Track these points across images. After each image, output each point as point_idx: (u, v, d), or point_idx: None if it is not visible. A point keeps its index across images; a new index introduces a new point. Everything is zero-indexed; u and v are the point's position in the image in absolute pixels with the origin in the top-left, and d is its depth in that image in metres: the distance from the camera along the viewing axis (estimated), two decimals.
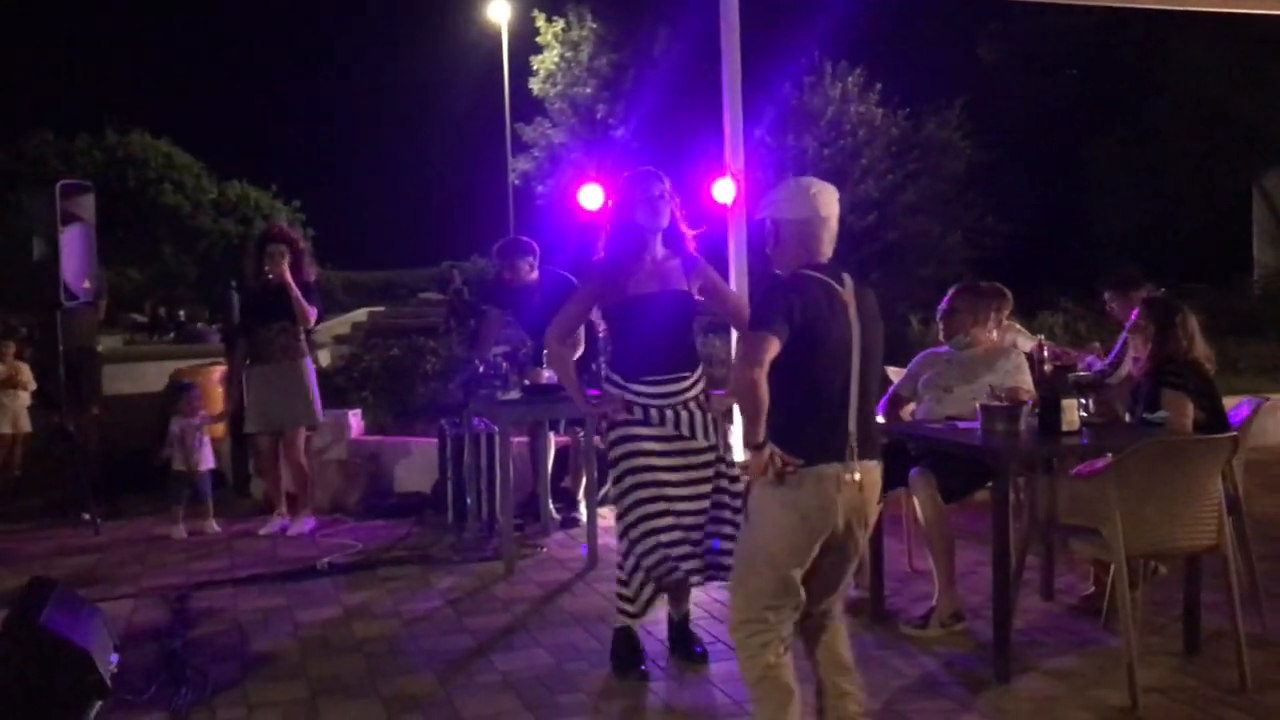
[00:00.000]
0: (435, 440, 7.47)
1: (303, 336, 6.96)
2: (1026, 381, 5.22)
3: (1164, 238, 19.76)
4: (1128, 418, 4.92)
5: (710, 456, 4.27)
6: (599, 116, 26.84)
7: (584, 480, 6.90)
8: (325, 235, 30.42)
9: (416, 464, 7.78)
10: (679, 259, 4.36)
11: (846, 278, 3.33)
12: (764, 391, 3.10)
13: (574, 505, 7.01)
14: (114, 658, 4.32)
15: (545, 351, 4.63)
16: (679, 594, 4.53)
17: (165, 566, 6.27)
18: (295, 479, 7.01)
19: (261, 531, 6.90)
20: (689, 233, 4.39)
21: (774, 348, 3.12)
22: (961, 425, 4.72)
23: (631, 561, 4.29)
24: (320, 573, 6.00)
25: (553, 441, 7.04)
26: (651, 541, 4.21)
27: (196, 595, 5.62)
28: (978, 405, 4.63)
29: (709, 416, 4.28)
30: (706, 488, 4.26)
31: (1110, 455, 4.69)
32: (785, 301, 3.18)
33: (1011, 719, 3.90)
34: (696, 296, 4.40)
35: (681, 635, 4.57)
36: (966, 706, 3.99)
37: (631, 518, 4.23)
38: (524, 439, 7.16)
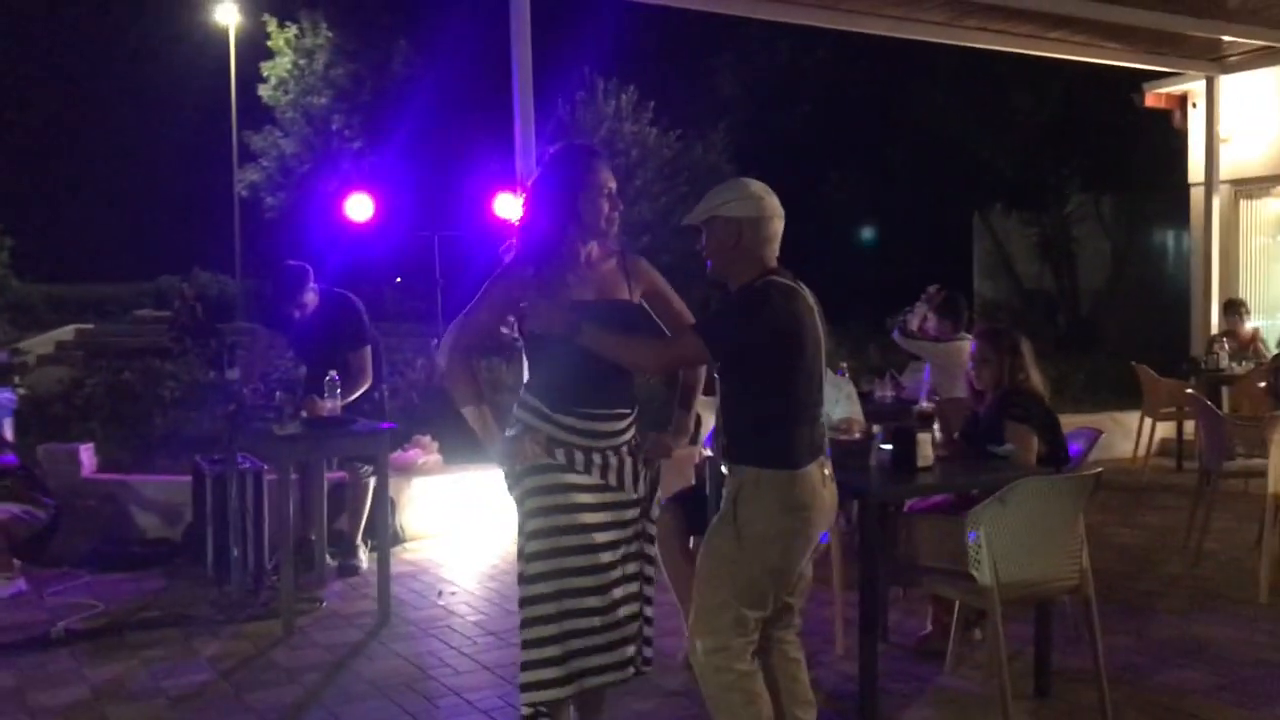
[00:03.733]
0: (182, 478, 6.57)
1: None
2: (859, 412, 5.02)
3: (892, 269, 20.69)
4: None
5: (636, 513, 3.37)
6: (335, 128, 25.76)
7: (363, 521, 6.23)
8: (24, 244, 27.63)
9: (161, 506, 6.82)
10: (615, 258, 3.38)
11: (798, 281, 3.26)
12: None
13: (352, 551, 6.29)
14: None
15: (446, 372, 3.40)
16: (593, 702, 3.49)
17: None
18: None
19: None
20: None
21: (703, 361, 3.29)
22: None
23: (537, 652, 3.24)
24: (55, 642, 5.04)
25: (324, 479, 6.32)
26: (567, 633, 3.23)
27: None
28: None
29: (641, 465, 3.38)
30: (634, 549, 3.36)
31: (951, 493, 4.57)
32: (754, 320, 3.13)
33: None
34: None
35: None
36: None
37: (545, 592, 3.22)
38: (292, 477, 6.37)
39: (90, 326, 24.24)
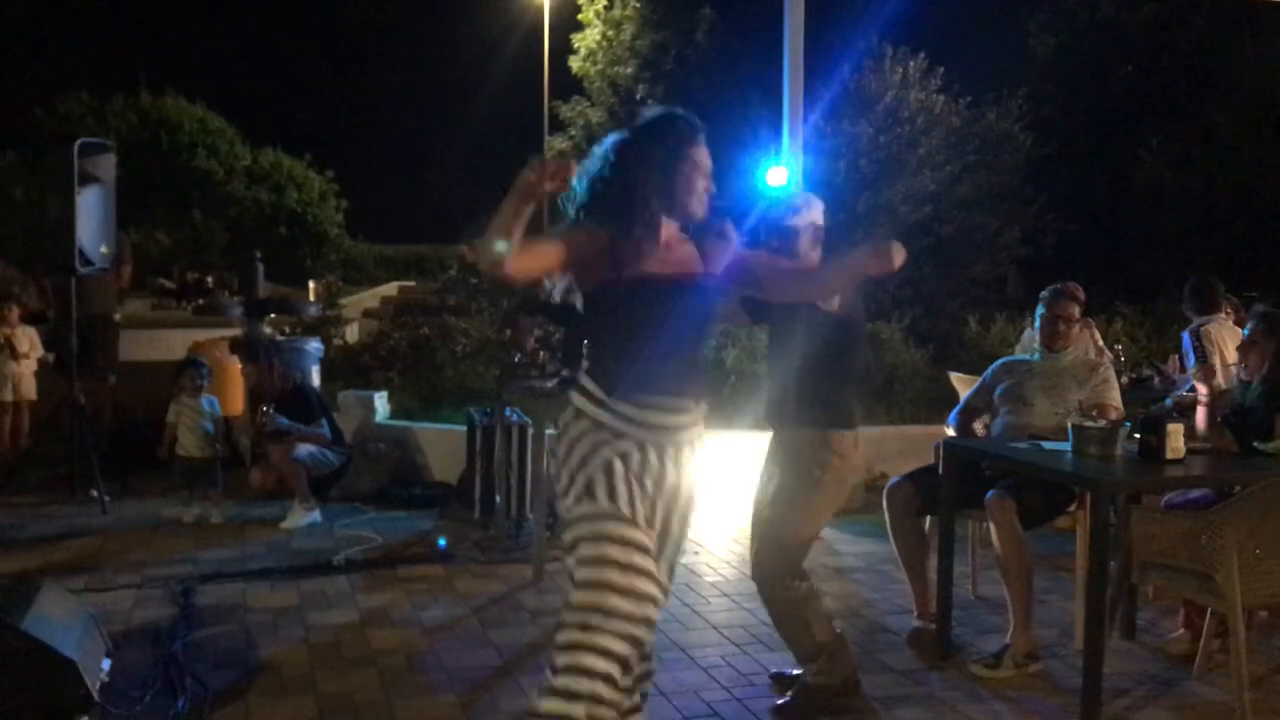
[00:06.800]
0: (461, 427, 7.06)
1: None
2: (1116, 398, 4.75)
3: (1215, 244, 19.06)
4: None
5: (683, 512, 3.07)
6: (639, 97, 26.42)
7: None
8: (358, 207, 30.13)
9: (444, 453, 7.37)
10: (708, 236, 3.07)
11: None
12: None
13: None
14: (106, 663, 3.94)
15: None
16: None
17: (173, 554, 5.89)
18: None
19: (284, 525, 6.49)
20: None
21: None
22: (1048, 446, 4.25)
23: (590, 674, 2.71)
24: (336, 569, 5.60)
25: None
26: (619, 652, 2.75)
27: (203, 589, 5.23)
28: (1069, 424, 4.16)
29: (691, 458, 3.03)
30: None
31: (1210, 489, 4.28)
32: None
33: None
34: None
35: None
36: None
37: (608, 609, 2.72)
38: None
39: (412, 284, 26.16)
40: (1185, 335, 6.34)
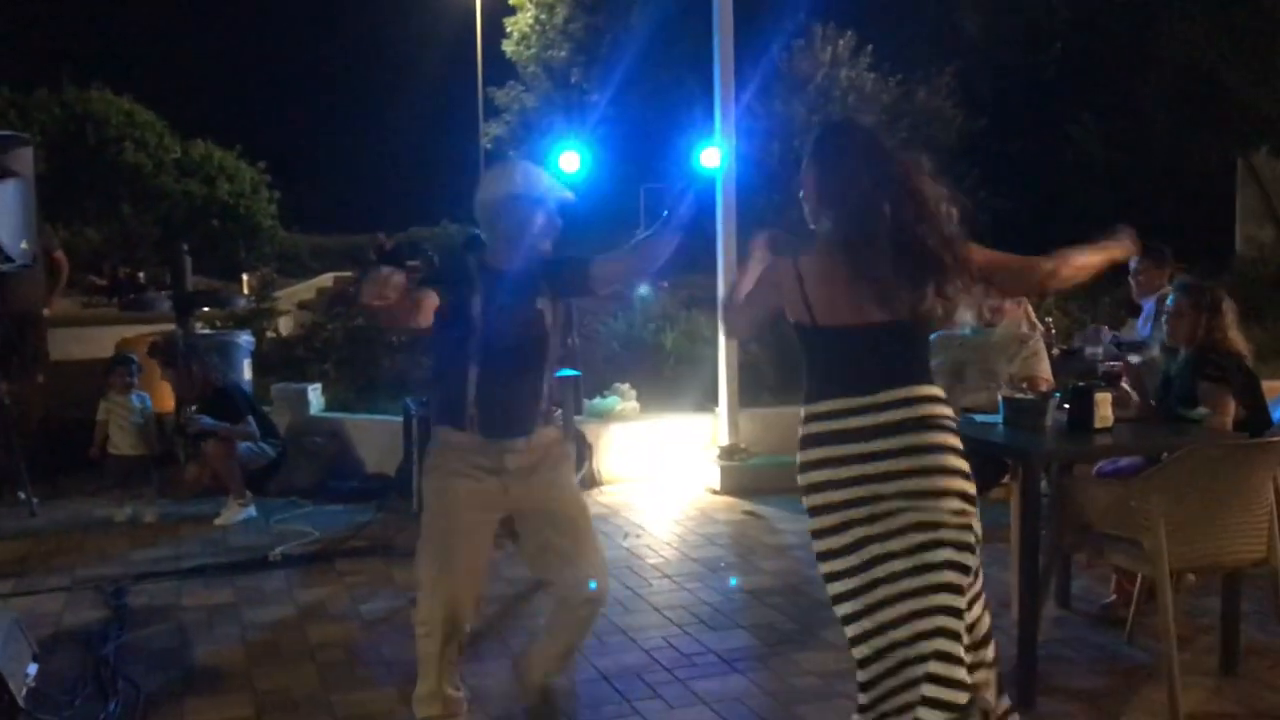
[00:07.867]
0: (398, 418, 6.99)
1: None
2: (1046, 370, 4.83)
3: (1144, 217, 19.38)
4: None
5: None
6: (574, 81, 26.31)
7: None
8: (292, 198, 29.70)
9: (381, 444, 7.29)
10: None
11: None
12: None
13: None
14: (32, 668, 3.86)
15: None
16: None
17: (104, 555, 5.78)
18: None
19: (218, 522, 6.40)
20: None
21: None
22: (979, 419, 4.30)
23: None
24: (273, 564, 5.53)
25: None
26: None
27: (136, 589, 5.13)
28: (999, 396, 4.21)
29: None
30: None
31: (1141, 456, 4.35)
32: None
33: None
34: None
35: None
36: None
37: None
38: None
39: (348, 274, 25.86)
40: (1148, 304, 6.31)
